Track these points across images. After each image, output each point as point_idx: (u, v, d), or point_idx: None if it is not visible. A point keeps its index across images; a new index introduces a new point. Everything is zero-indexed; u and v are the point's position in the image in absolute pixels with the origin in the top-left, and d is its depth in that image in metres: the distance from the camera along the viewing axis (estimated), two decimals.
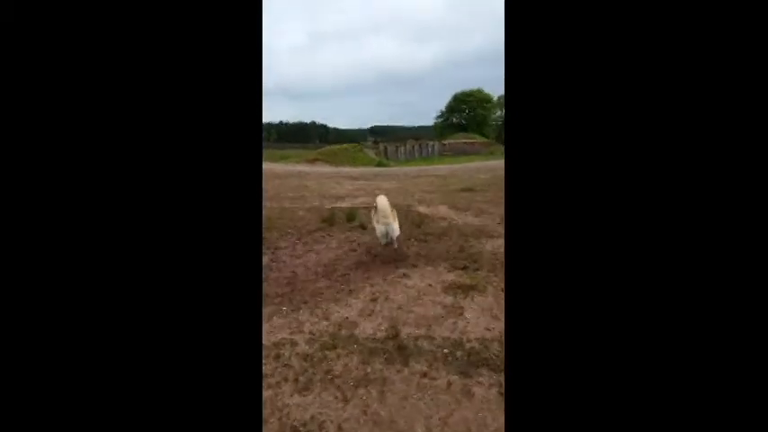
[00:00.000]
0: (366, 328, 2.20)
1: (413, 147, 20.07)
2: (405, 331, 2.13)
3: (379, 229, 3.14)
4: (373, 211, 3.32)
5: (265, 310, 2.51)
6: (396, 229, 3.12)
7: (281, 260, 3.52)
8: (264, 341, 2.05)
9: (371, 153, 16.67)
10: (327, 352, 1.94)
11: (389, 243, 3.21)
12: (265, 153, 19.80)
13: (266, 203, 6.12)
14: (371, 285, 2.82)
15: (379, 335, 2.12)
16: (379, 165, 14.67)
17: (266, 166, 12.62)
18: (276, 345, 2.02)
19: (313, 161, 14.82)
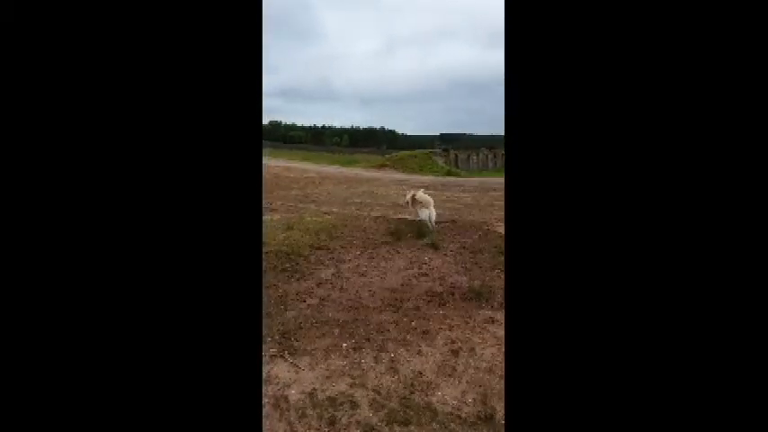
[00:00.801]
0: (447, 396, 1.66)
1: (486, 156, 18.89)
2: (501, 409, 1.54)
3: (423, 213, 4.32)
4: (410, 203, 4.61)
5: (323, 342, 2.14)
6: (434, 213, 4.34)
7: (344, 276, 3.17)
8: (318, 389, 1.64)
9: (441, 161, 15.97)
10: (398, 428, 1.45)
11: (429, 224, 4.26)
12: (334, 157, 20.46)
13: (333, 209, 5.96)
14: (450, 329, 2.28)
15: (466, 410, 1.57)
16: (449, 174, 13.93)
17: (335, 169, 12.82)
18: (332, 402, 1.60)
19: (381, 167, 14.71)
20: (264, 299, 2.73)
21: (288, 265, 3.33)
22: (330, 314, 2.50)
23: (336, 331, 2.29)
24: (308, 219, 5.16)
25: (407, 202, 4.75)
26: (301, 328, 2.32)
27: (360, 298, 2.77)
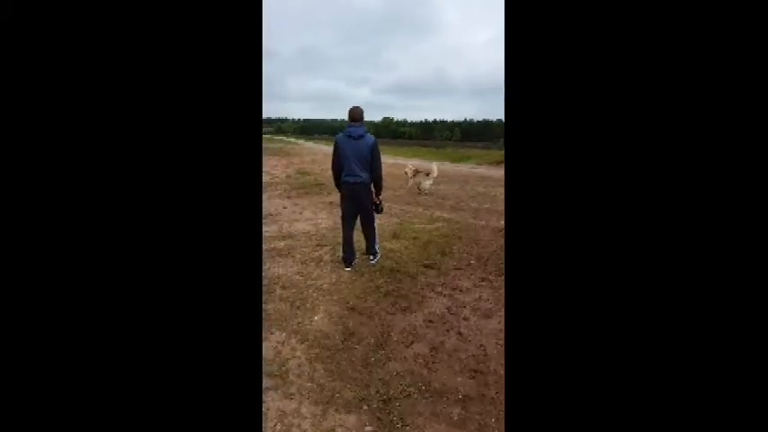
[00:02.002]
0: None
1: None
2: None
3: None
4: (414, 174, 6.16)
5: (436, 428, 1.46)
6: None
7: (462, 314, 2.43)
8: None
9: None
10: None
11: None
12: (446, 153, 19.57)
13: (443, 214, 5.25)
14: None
15: None
16: None
17: (447, 167, 11.98)
18: None
19: (497, 164, 13.18)
20: (366, 329, 2.22)
21: (392, 287, 2.78)
22: (445, 378, 1.81)
23: (455, 413, 1.59)
24: (417, 226, 4.57)
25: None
26: (408, 396, 1.70)
27: (485, 355, 2.00)
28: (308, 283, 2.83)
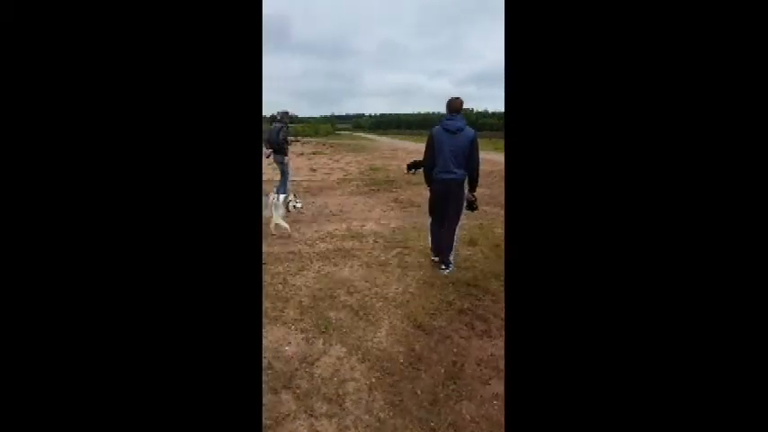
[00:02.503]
0: None
1: None
2: None
3: None
4: None
5: None
6: None
7: None
8: None
9: None
10: None
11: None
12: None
13: None
14: None
15: None
16: None
17: None
18: None
19: None
20: (435, 355, 1.92)
21: (468, 305, 2.41)
22: None
23: None
24: (498, 230, 4.06)
25: None
26: None
27: None
28: (374, 290, 2.62)
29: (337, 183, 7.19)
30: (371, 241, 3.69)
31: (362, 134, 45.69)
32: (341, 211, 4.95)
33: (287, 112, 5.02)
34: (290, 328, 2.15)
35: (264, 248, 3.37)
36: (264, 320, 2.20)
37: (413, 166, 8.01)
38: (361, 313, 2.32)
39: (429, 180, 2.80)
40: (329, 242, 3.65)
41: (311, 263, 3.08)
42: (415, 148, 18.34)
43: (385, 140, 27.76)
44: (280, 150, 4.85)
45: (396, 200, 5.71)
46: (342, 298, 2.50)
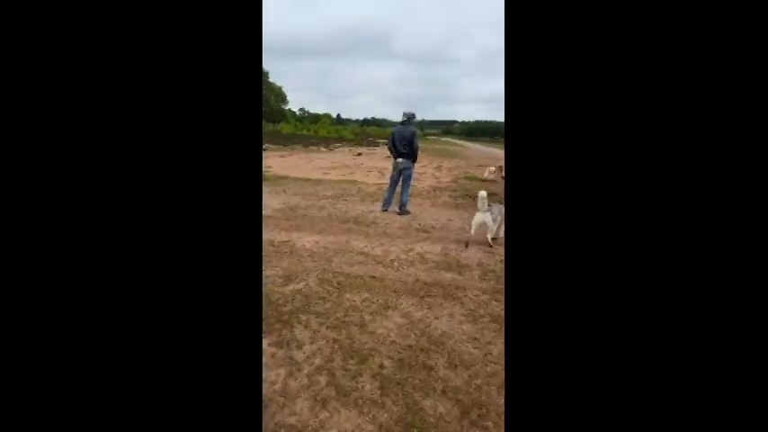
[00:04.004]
0: None
1: None
2: None
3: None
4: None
5: None
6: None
7: None
8: None
9: None
10: None
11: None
12: None
13: None
14: None
15: None
16: None
17: None
18: None
19: None
20: None
21: None
22: None
23: None
24: None
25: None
26: None
27: None
28: (488, 366, 1.74)
29: (427, 192, 6.40)
30: (476, 276, 2.78)
31: (450, 140, 44.28)
32: (433, 227, 4.13)
33: (414, 114, 4.54)
34: (363, 414, 1.41)
35: (348, 268, 2.74)
36: (330, 392, 1.50)
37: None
38: (468, 402, 1.46)
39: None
40: (421, 269, 2.85)
41: (397, 298, 2.33)
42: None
43: (477, 147, 26.08)
44: (409, 155, 4.42)
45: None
46: (441, 372, 1.67)
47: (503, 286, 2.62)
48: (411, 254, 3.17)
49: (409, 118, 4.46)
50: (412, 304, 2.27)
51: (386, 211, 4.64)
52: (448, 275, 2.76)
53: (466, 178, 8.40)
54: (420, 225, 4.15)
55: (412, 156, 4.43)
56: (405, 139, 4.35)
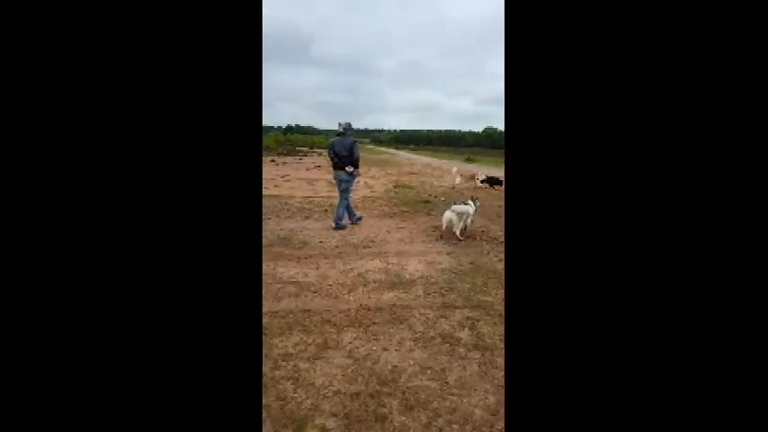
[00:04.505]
0: None
1: None
2: None
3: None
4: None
5: None
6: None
7: None
8: None
9: None
10: None
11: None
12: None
13: None
14: None
15: None
16: None
17: None
18: None
19: None
20: None
21: None
22: None
23: None
24: None
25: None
26: None
27: None
28: (446, 395, 1.53)
29: (361, 201, 6.19)
30: (421, 293, 2.61)
31: (382, 148, 45.22)
32: (372, 241, 3.91)
33: (350, 124, 4.44)
34: None
35: (275, 305, 2.34)
36: None
37: (491, 181, 8.18)
38: None
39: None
40: (362, 292, 2.59)
41: (338, 334, 2.03)
42: (438, 164, 17.37)
43: (407, 155, 26.91)
44: (351, 165, 4.32)
45: (436, 227, 4.64)
46: (396, 420, 1.42)
47: (447, 300, 2.50)
48: (350, 276, 2.89)
49: (346, 128, 4.39)
50: (356, 338, 1.99)
51: (355, 223, 4.57)
52: (391, 295, 2.54)
53: (400, 186, 8.42)
54: (357, 240, 3.89)
55: (354, 165, 4.33)
56: (345, 149, 4.26)
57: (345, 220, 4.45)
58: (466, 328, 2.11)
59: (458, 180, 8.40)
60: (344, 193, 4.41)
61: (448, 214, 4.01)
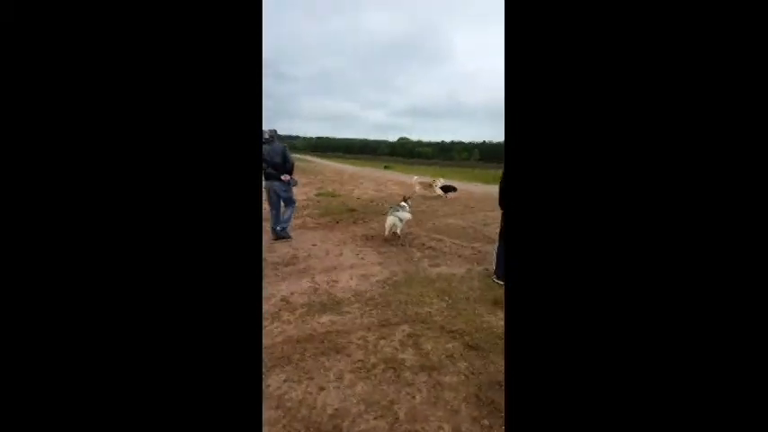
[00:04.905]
0: None
1: None
2: None
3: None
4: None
5: None
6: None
7: None
8: None
9: None
10: None
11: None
12: (474, 173, 18.15)
13: None
14: None
15: None
16: None
17: (482, 188, 10.52)
18: None
19: None
20: None
21: None
22: None
23: None
24: None
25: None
26: None
27: None
28: None
29: None
30: (357, 312, 2.38)
31: (298, 155, 43.75)
32: (295, 257, 3.53)
33: (275, 131, 4.13)
34: None
35: None
36: None
37: (445, 189, 8.51)
38: None
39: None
40: (289, 320, 2.24)
41: (264, 376, 1.67)
42: (366, 173, 17.44)
43: (326, 162, 26.38)
44: (287, 173, 4.08)
45: (366, 236, 4.47)
46: None
47: (385, 317, 2.33)
48: (272, 302, 2.50)
49: (272, 135, 4.07)
50: (285, 380, 1.66)
51: (280, 238, 4.16)
52: (324, 320, 2.26)
53: (323, 195, 8.07)
54: (279, 258, 3.48)
55: (288, 172, 4.08)
56: (278, 155, 4.00)
57: (280, 228, 4.18)
58: (409, 347, 1.95)
59: (417, 188, 8.99)
60: (288, 201, 4.17)
61: (391, 219, 4.18)
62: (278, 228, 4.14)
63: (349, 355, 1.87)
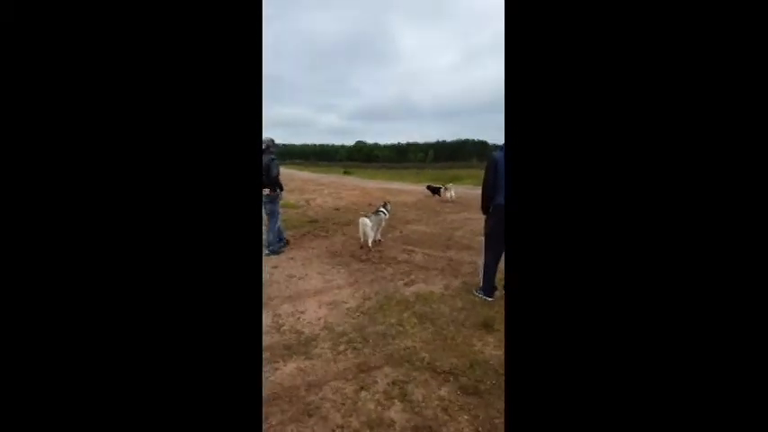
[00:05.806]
0: None
1: None
2: None
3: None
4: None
5: None
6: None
7: None
8: None
9: None
10: None
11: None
12: (429, 173, 18.35)
13: None
14: None
15: None
16: None
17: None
18: None
19: None
20: None
21: None
22: None
23: None
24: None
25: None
26: None
27: None
28: None
29: None
30: (329, 352, 2.02)
31: None
32: None
33: (273, 140, 3.71)
34: None
35: None
36: None
37: (433, 190, 8.97)
38: None
39: (487, 207, 2.96)
40: None
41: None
42: (326, 179, 16.89)
43: (285, 171, 25.31)
44: (273, 188, 3.82)
45: (331, 252, 4.09)
46: None
47: (363, 358, 1.99)
48: None
49: (269, 145, 3.67)
50: None
51: (278, 251, 4.00)
52: (291, 368, 1.87)
53: (288, 206, 7.52)
54: None
55: (274, 187, 3.79)
56: (263, 169, 3.67)
57: (276, 245, 3.99)
58: (395, 400, 1.63)
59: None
60: (272, 215, 3.89)
61: (362, 221, 4.15)
62: (269, 249, 3.91)
63: (324, 418, 1.51)
